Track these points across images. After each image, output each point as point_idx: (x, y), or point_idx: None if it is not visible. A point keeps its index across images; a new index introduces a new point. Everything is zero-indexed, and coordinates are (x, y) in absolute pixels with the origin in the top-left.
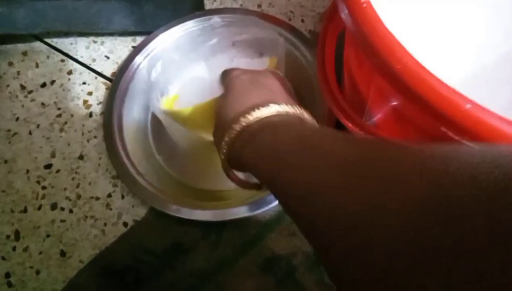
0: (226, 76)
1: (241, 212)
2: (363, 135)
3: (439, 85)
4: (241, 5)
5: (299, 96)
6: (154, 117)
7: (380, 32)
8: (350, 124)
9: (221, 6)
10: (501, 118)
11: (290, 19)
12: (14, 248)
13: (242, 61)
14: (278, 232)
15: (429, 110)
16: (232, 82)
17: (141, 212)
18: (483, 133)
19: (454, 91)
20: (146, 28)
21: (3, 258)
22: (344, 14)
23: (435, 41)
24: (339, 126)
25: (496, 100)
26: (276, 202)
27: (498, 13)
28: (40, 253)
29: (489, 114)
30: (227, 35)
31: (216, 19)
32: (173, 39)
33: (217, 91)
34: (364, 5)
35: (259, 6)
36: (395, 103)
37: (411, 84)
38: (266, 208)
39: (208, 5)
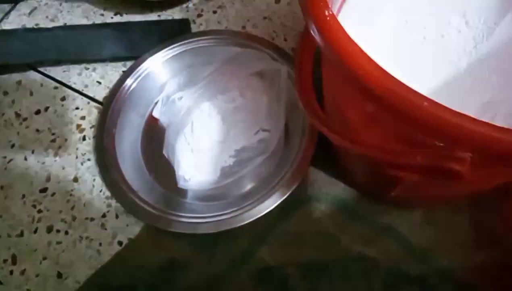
0: None
1: (233, 222)
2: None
3: (398, 86)
4: (226, 27)
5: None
6: (145, 136)
7: (342, 41)
8: (326, 131)
9: (207, 29)
10: (455, 113)
11: (273, 39)
12: (11, 272)
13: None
14: (270, 244)
15: (390, 111)
16: None
17: (135, 230)
18: (440, 128)
19: (411, 90)
20: (135, 53)
21: (1, 283)
22: (311, 29)
23: (408, 50)
24: (321, 137)
25: (470, 106)
26: (267, 211)
27: (467, 22)
28: (37, 275)
29: (444, 110)
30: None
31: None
32: (161, 62)
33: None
34: (328, 18)
35: (244, 27)
36: (368, 110)
37: (373, 89)
38: (258, 216)
39: (194, 28)
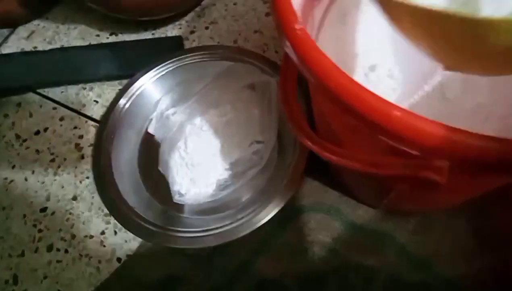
0: None
1: (230, 235)
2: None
3: (368, 95)
4: (219, 42)
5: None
6: (142, 153)
7: (315, 55)
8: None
9: (200, 45)
10: (428, 121)
11: (264, 51)
12: None
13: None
14: (267, 255)
15: (363, 121)
16: None
17: (134, 246)
18: (413, 137)
19: (382, 99)
20: (131, 71)
21: None
22: (283, 43)
23: (397, 60)
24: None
25: (462, 107)
26: (263, 222)
27: None
28: None
29: (415, 118)
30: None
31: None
32: (155, 79)
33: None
34: (298, 31)
35: (235, 41)
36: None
37: (346, 101)
38: (254, 228)
39: (187, 44)
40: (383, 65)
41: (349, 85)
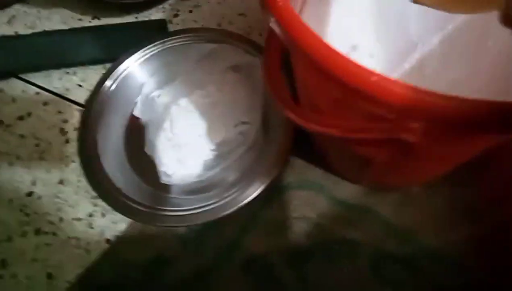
0: None
1: (217, 213)
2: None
3: (351, 64)
4: (202, 25)
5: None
6: (128, 135)
7: (297, 26)
8: (289, 111)
9: (184, 27)
10: (399, 83)
11: (249, 34)
12: (2, 276)
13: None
14: (254, 233)
15: (342, 86)
16: None
17: (122, 227)
18: (387, 100)
19: (359, 66)
20: (114, 55)
21: None
22: (266, 15)
23: (378, 39)
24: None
25: (440, 82)
26: (249, 199)
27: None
28: (27, 278)
29: (389, 81)
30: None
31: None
32: (139, 62)
33: None
34: (280, 3)
35: (219, 24)
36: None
37: (328, 69)
38: (240, 205)
39: (171, 28)
40: (364, 45)
41: (331, 54)
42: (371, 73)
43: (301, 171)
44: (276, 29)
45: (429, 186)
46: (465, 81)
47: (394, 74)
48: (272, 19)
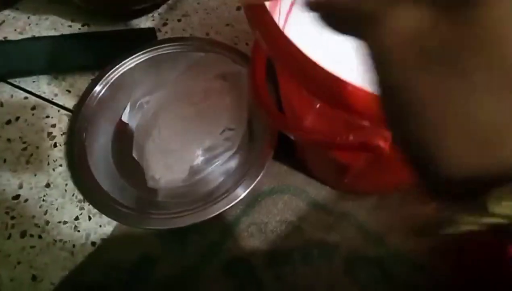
0: None
1: (201, 216)
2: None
3: (324, 73)
4: (191, 34)
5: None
6: (115, 140)
7: (281, 40)
8: (273, 119)
9: (173, 36)
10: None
11: (236, 44)
12: None
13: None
14: (236, 235)
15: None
16: None
17: (108, 230)
18: (360, 107)
19: (333, 75)
20: (104, 62)
21: None
22: (252, 28)
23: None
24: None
25: None
26: (233, 204)
27: None
28: (12, 280)
29: (362, 90)
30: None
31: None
32: (128, 69)
33: None
34: (265, 19)
35: (207, 34)
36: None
37: (304, 78)
38: (224, 209)
39: (160, 36)
40: (346, 59)
41: (311, 66)
42: (346, 83)
43: (283, 176)
44: (261, 41)
45: (403, 193)
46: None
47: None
48: (258, 33)
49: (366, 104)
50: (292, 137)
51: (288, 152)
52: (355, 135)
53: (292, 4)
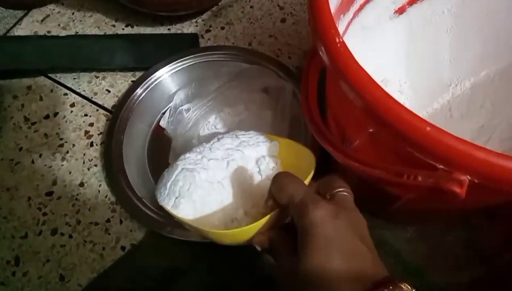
0: (304, 217)
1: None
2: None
3: (404, 112)
4: (233, 43)
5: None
6: (151, 145)
7: (352, 68)
8: (331, 149)
9: (215, 44)
10: (456, 138)
11: (278, 56)
12: (13, 273)
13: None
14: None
15: (396, 134)
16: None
17: (139, 236)
18: (442, 152)
19: (416, 116)
20: (145, 64)
21: (3, 284)
22: (321, 52)
23: (409, 76)
24: (323, 152)
25: (465, 130)
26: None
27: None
28: (40, 277)
29: (446, 135)
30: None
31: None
32: (170, 74)
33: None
34: (339, 44)
35: (250, 44)
36: (370, 130)
37: (380, 113)
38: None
39: (202, 43)
40: (395, 80)
41: (386, 100)
42: (426, 123)
43: None
44: (332, 68)
45: (443, 225)
46: (492, 129)
47: (423, 112)
48: (328, 58)
49: (447, 148)
50: (345, 168)
51: (325, 172)
52: (424, 176)
53: (349, 24)
